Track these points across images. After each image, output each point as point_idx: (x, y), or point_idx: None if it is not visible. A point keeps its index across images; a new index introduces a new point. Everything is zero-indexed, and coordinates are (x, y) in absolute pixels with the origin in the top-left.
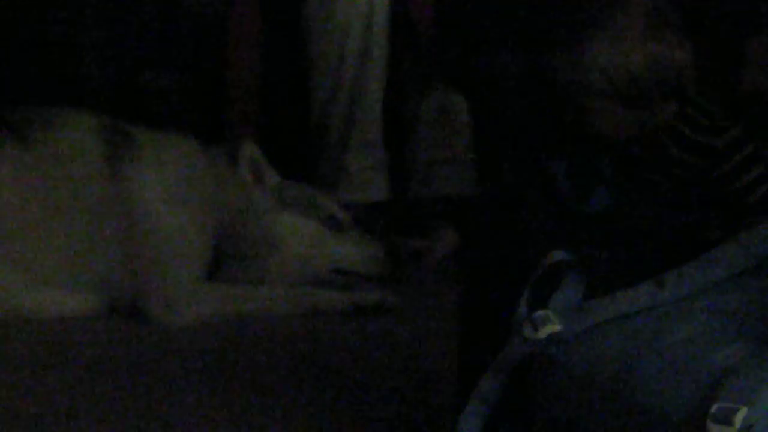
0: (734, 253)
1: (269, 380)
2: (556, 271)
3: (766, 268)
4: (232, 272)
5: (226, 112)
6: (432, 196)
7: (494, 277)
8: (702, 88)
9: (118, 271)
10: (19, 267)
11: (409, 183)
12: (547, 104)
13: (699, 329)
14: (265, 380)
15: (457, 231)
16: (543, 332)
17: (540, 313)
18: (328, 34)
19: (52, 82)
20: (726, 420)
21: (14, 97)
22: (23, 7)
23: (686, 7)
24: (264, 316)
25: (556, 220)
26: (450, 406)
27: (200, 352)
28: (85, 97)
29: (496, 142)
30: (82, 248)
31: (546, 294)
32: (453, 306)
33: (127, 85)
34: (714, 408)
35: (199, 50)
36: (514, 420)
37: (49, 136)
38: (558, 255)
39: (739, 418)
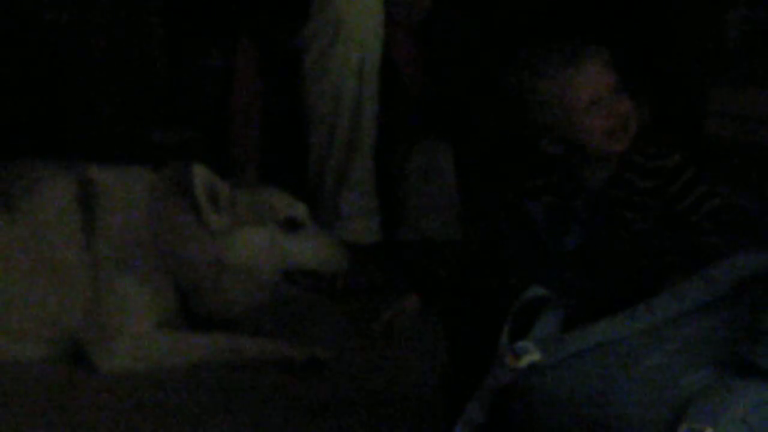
0: (700, 287)
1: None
2: (536, 304)
3: (730, 300)
4: (197, 306)
5: (229, 167)
6: (420, 239)
7: (479, 310)
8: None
9: (78, 325)
10: None
11: (399, 227)
12: (535, 131)
13: (669, 357)
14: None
15: (420, 297)
16: (524, 361)
17: (521, 343)
18: (323, 92)
19: (68, 136)
20: None
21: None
22: (38, 64)
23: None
24: (217, 364)
25: (535, 258)
26: (437, 430)
27: (141, 401)
28: (99, 150)
29: (479, 187)
30: (47, 305)
31: (527, 326)
32: (440, 336)
33: (140, 141)
34: (682, 429)
35: (204, 110)
36: None
37: (33, 204)
38: (536, 289)
39: None
